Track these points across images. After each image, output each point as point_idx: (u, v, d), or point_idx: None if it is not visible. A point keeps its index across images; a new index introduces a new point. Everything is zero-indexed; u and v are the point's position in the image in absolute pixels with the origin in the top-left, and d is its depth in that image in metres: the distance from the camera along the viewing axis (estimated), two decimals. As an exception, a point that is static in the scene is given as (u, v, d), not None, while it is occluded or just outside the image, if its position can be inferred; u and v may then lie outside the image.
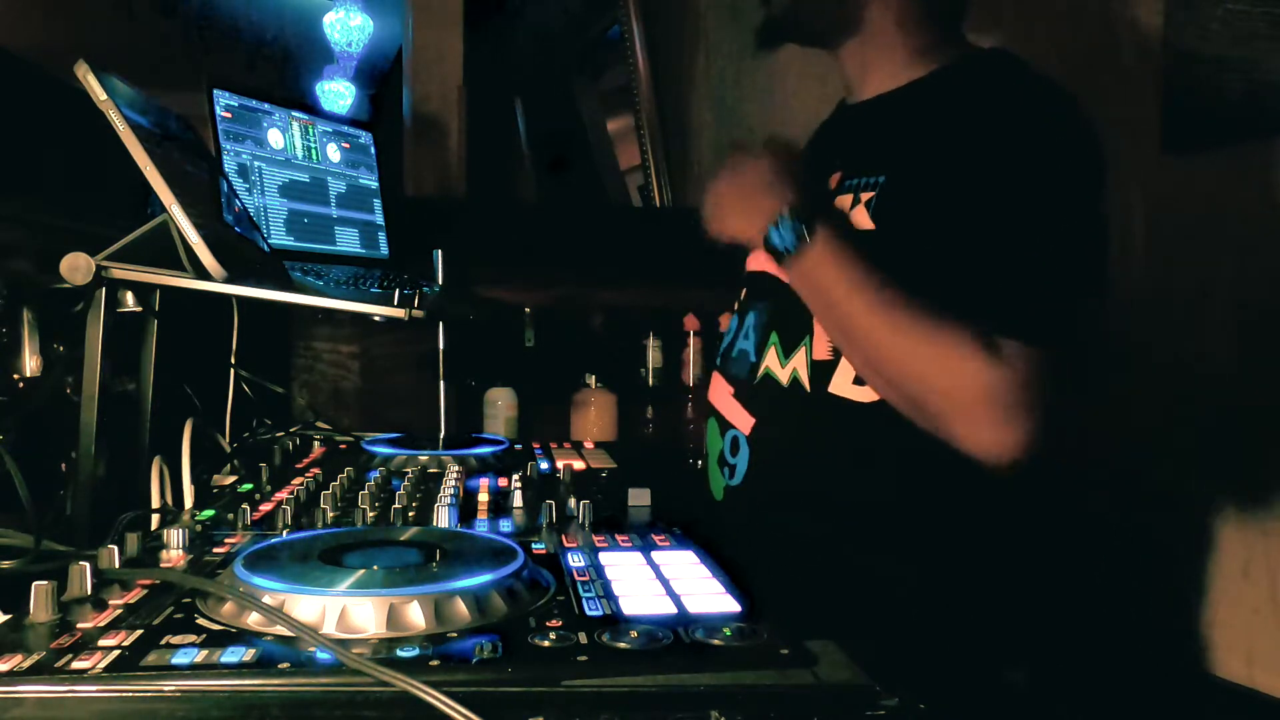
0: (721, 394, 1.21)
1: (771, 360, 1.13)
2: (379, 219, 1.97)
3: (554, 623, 0.62)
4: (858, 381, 1.05)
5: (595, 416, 1.96)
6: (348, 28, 5.85)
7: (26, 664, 0.54)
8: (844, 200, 1.10)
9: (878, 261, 1.01)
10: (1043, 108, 1.03)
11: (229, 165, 1.66)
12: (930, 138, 1.06)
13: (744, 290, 1.26)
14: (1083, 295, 1.00)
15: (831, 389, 1.07)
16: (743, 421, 1.16)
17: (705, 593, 0.68)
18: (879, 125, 1.15)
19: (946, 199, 1.01)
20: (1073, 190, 1.01)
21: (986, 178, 1.00)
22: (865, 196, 1.07)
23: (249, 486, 1.04)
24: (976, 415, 0.94)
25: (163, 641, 0.58)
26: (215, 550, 0.79)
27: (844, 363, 1.06)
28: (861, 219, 1.07)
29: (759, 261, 1.21)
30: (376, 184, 1.98)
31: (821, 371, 1.08)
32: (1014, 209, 0.99)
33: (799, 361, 1.10)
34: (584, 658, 0.56)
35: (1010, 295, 0.97)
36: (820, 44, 1.21)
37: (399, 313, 1.18)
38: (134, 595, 0.66)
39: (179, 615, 0.62)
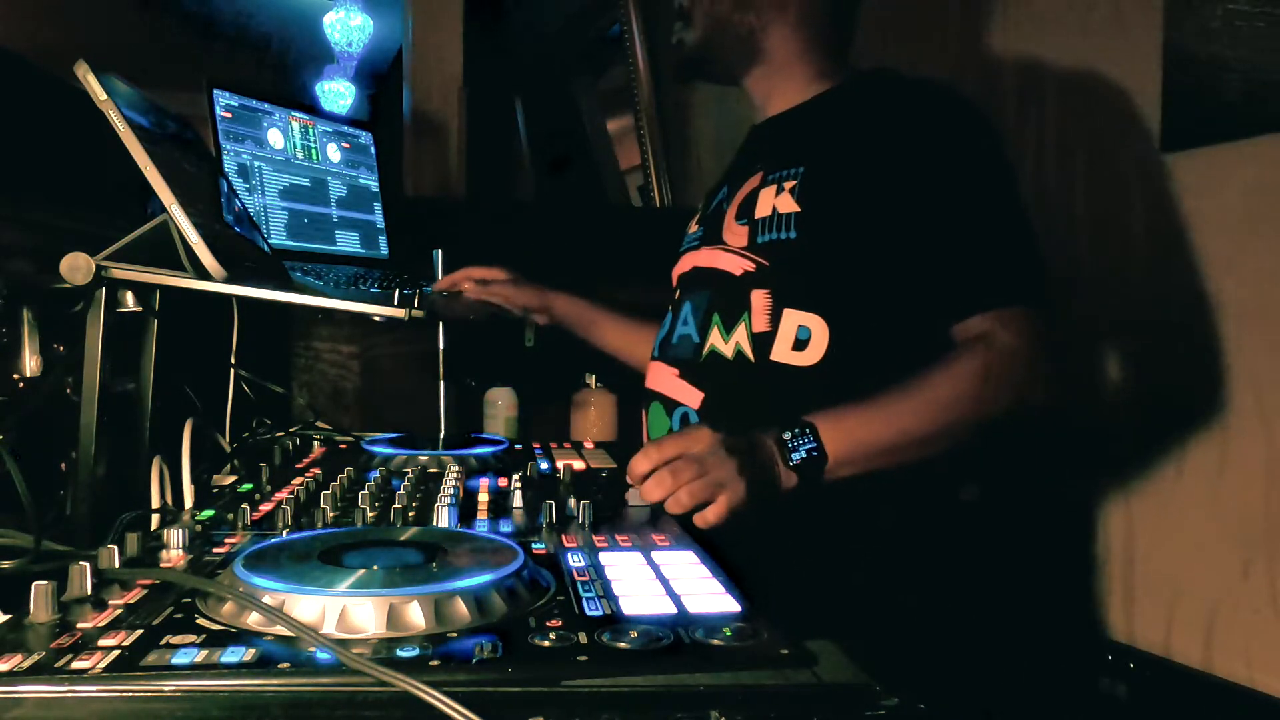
0: (664, 378, 1.29)
1: (715, 338, 1.23)
2: (379, 219, 1.97)
3: (554, 623, 0.62)
4: (796, 348, 1.15)
5: (595, 416, 1.96)
6: (348, 28, 5.85)
7: (26, 664, 0.54)
8: (768, 191, 1.21)
9: (805, 236, 1.15)
10: (934, 98, 1.19)
11: (229, 165, 1.66)
12: (842, 133, 1.21)
13: (677, 291, 1.37)
14: (1026, 248, 1.13)
15: (773, 357, 1.17)
16: (691, 398, 1.24)
17: (705, 593, 0.68)
18: (792, 130, 1.28)
19: (866, 179, 1.15)
20: (982, 162, 1.15)
21: (903, 161, 1.14)
22: (788, 185, 1.20)
23: (249, 486, 1.04)
24: (1012, 381, 1.06)
25: (163, 641, 0.58)
26: (215, 550, 0.79)
27: (781, 331, 1.16)
28: (786, 203, 1.19)
29: (690, 262, 1.34)
30: (376, 184, 1.98)
31: (762, 342, 1.18)
32: (935, 190, 1.13)
33: (740, 336, 1.20)
34: (584, 658, 0.56)
35: (974, 269, 1.11)
36: (729, 80, 1.36)
37: (399, 313, 1.18)
38: (134, 595, 0.66)
39: (179, 615, 0.62)
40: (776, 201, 1.20)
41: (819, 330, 1.14)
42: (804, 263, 1.16)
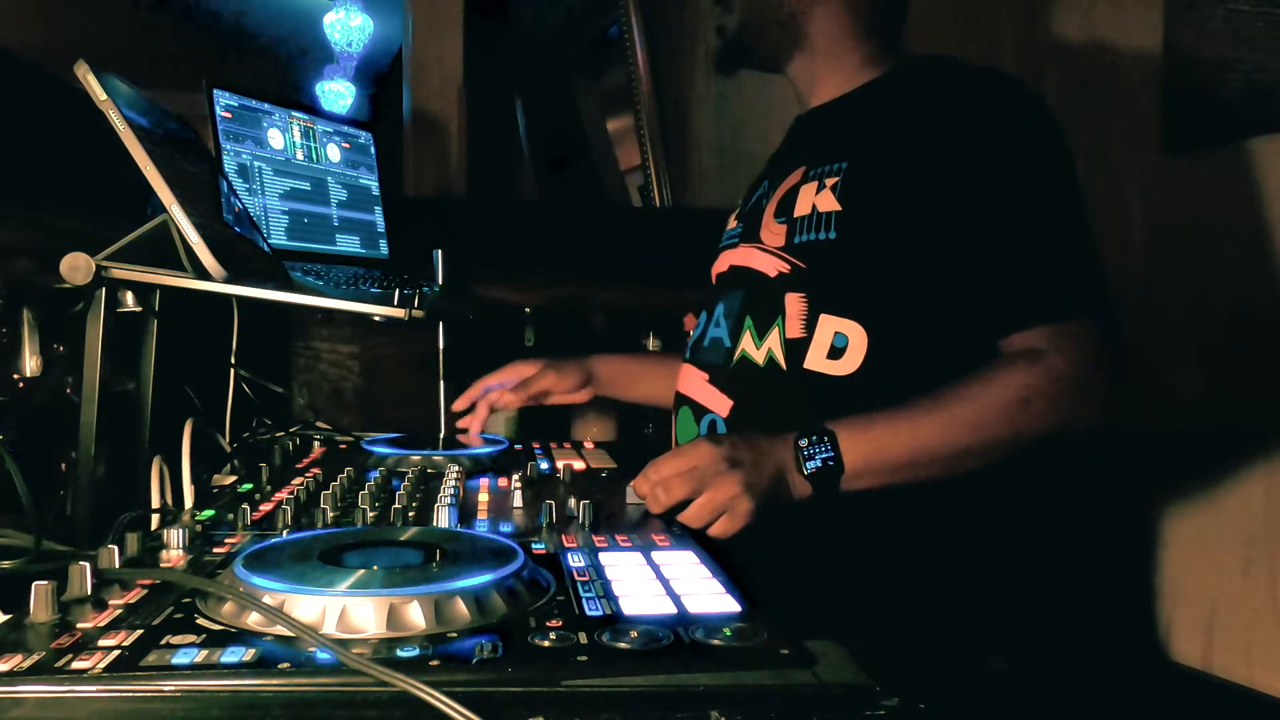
0: (694, 382, 1.24)
1: (747, 343, 1.17)
2: (379, 219, 1.97)
3: (554, 623, 0.62)
4: (832, 356, 1.09)
5: (595, 416, 1.96)
6: (348, 28, 5.85)
7: (27, 664, 0.54)
8: (808, 187, 1.16)
9: (845, 237, 1.09)
10: (990, 88, 1.11)
11: (229, 165, 1.66)
12: (890, 125, 1.13)
13: (713, 289, 1.31)
14: (1086, 255, 1.06)
15: (807, 365, 1.11)
16: (720, 405, 1.19)
17: (705, 593, 0.68)
18: (837, 122, 1.22)
19: (914, 177, 1.08)
20: (1041, 161, 1.08)
21: (954, 157, 1.07)
22: (830, 181, 1.13)
23: (249, 486, 1.05)
24: (1059, 405, 1.00)
25: (163, 641, 0.58)
26: (215, 550, 0.79)
27: (817, 338, 1.10)
28: (826, 201, 1.12)
29: (728, 260, 1.27)
30: (377, 184, 1.98)
31: (796, 349, 1.12)
32: (988, 191, 1.06)
33: (773, 342, 1.14)
34: (584, 658, 0.56)
35: (1027, 278, 1.05)
36: (772, 67, 1.29)
37: (399, 313, 1.18)
38: (134, 595, 0.66)
39: (179, 615, 0.62)
40: (817, 199, 1.13)
41: (857, 338, 1.08)
42: (842, 266, 1.10)
